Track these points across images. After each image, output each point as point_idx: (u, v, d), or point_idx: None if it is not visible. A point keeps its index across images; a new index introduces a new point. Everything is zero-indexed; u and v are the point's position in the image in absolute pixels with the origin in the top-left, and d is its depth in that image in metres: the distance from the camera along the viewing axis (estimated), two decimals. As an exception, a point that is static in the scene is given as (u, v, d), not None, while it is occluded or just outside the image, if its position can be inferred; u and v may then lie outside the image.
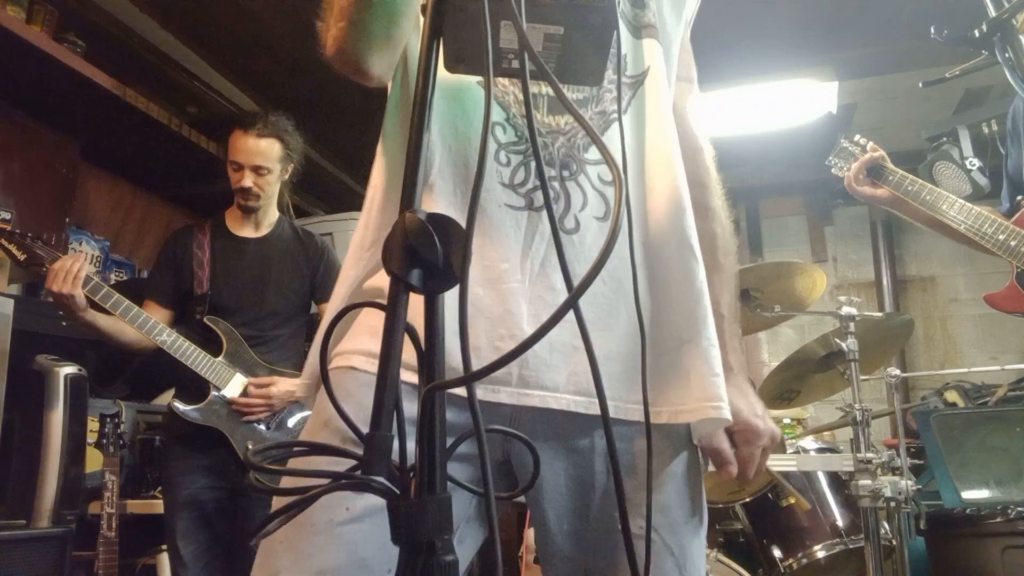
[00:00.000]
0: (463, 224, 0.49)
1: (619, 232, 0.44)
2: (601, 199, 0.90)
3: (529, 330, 0.84)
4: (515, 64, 0.60)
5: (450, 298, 0.51)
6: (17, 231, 2.27)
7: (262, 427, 2.35)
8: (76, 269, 2.09)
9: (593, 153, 0.91)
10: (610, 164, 0.44)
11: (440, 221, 0.50)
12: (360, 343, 0.89)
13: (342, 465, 0.51)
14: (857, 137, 2.37)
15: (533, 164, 0.88)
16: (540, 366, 0.85)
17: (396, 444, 0.51)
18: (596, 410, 0.83)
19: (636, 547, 0.80)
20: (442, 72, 0.88)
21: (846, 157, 2.36)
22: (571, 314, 0.82)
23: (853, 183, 2.30)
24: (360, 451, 0.50)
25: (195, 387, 2.32)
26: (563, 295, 0.85)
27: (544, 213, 0.86)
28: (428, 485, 0.47)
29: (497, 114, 0.89)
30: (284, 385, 2.36)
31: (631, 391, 0.88)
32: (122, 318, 2.21)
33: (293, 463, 0.79)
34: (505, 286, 0.85)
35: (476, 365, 0.46)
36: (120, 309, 2.21)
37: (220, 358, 2.33)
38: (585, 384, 0.86)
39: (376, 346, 0.87)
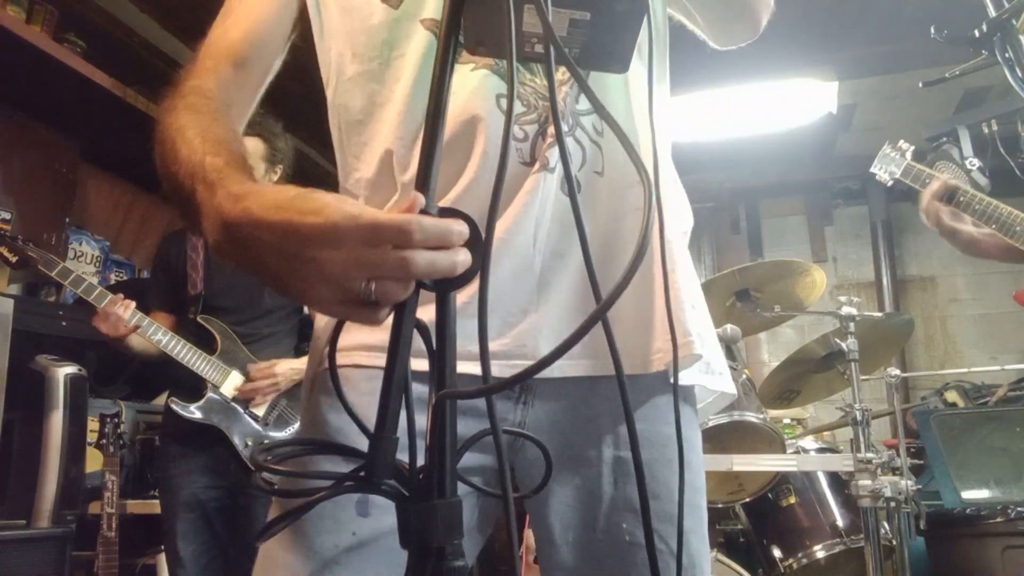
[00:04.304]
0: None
1: (650, 239, 0.42)
2: (598, 151, 0.85)
3: (540, 300, 0.83)
4: (538, 48, 0.58)
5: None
6: (7, 234, 2.27)
7: (260, 426, 2.35)
8: (126, 318, 2.21)
9: (584, 103, 0.85)
10: (631, 154, 0.44)
11: (454, 216, 0.49)
12: (358, 337, 0.85)
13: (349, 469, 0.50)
14: (901, 143, 2.26)
15: (528, 123, 0.83)
16: (552, 337, 0.83)
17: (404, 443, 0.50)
18: (605, 370, 0.84)
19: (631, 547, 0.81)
20: (416, 35, 0.83)
21: (887, 163, 2.26)
22: (574, 274, 0.83)
23: (938, 220, 2.03)
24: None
25: (191, 386, 2.31)
26: (572, 261, 0.84)
27: (545, 175, 0.82)
28: (439, 489, 0.46)
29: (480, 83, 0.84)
30: (287, 364, 2.36)
31: (627, 345, 0.85)
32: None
33: (300, 465, 0.78)
34: (518, 260, 0.82)
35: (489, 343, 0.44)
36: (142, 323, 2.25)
37: (215, 357, 2.33)
38: (591, 346, 0.84)
39: (373, 338, 0.86)
